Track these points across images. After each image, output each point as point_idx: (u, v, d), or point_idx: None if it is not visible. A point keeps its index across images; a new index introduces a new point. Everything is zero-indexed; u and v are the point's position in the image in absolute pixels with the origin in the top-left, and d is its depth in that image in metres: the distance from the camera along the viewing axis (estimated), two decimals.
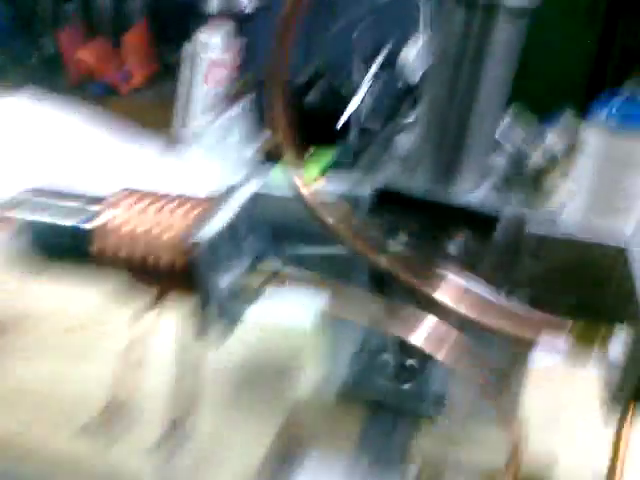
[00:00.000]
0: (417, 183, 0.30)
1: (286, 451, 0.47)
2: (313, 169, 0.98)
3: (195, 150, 0.70)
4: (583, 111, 0.66)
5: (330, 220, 0.32)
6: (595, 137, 0.50)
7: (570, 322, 0.33)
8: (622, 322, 0.31)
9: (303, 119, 0.93)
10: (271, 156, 0.94)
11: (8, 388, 0.52)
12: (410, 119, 0.38)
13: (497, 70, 0.27)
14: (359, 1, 1.03)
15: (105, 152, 0.81)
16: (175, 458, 0.40)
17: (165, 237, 0.35)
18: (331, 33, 1.03)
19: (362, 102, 1.01)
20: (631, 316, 0.29)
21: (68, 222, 0.37)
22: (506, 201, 0.31)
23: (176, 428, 0.40)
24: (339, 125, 1.02)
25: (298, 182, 0.31)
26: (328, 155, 1.01)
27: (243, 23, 1.00)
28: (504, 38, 0.26)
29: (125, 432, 0.44)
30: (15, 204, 0.40)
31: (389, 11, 1.01)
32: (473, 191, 0.30)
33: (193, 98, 0.86)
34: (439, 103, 0.28)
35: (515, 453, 0.34)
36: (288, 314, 0.54)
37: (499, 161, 0.34)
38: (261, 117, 0.79)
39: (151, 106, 1.02)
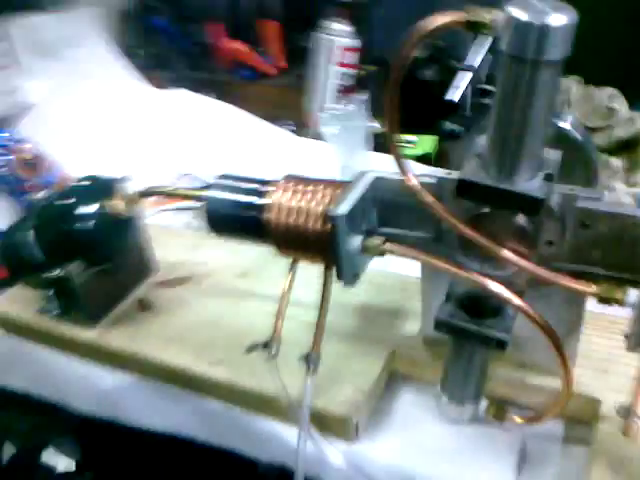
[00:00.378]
0: (487, 176, 0.42)
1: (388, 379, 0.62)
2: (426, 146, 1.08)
3: (326, 130, 0.85)
4: None
5: (429, 199, 0.45)
6: None
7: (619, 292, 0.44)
8: None
9: (421, 92, 1.07)
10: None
11: (190, 322, 0.69)
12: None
13: (543, 101, 0.38)
14: None
15: (252, 136, 0.97)
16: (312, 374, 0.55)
17: (315, 210, 0.50)
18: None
19: (472, 73, 1.10)
20: None
21: (245, 199, 0.53)
22: (553, 188, 0.43)
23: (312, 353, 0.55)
24: (454, 96, 1.11)
25: (408, 168, 0.44)
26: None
27: (368, 9, 1.12)
28: (547, 79, 0.38)
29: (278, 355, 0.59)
30: (207, 186, 0.57)
31: None
32: (530, 181, 0.42)
33: (327, 80, 1.00)
34: (500, 123, 0.40)
35: (565, 381, 0.46)
36: (400, 268, 0.67)
37: (554, 153, 0.45)
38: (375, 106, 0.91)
39: (287, 90, 1.19)
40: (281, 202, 0.52)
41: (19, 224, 0.68)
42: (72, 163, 0.91)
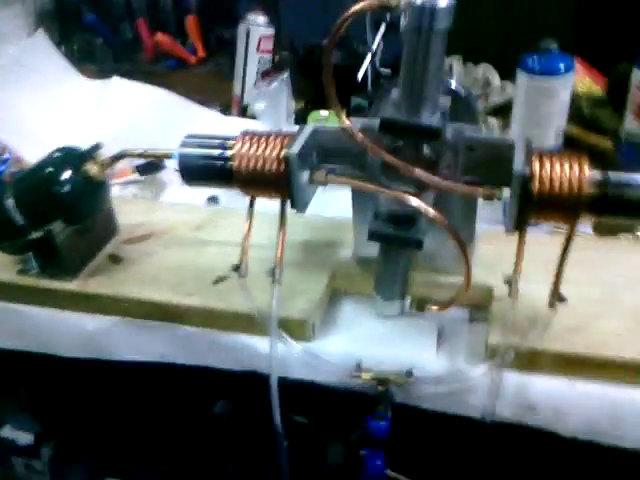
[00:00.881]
0: (400, 115, 0.58)
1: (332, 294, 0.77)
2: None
3: (255, 106, 0.99)
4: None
5: (360, 136, 0.60)
6: (523, 79, 0.78)
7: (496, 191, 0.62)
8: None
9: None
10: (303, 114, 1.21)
11: (159, 268, 0.81)
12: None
13: (435, 59, 0.55)
14: None
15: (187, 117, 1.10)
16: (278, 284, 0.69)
17: (271, 155, 0.64)
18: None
19: (374, 58, 1.28)
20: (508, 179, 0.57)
21: (215, 152, 0.67)
22: (447, 124, 0.60)
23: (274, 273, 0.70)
24: (359, 77, 1.28)
25: (342, 120, 0.60)
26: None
27: (278, 3, 1.27)
28: (437, 43, 0.54)
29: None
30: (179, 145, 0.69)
31: None
32: (431, 117, 0.59)
33: (247, 66, 1.14)
34: (408, 76, 0.57)
35: (466, 274, 0.63)
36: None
37: (446, 100, 0.62)
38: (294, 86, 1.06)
39: (210, 77, 1.32)
40: (242, 151, 0.66)
41: None
42: (23, 146, 1.00)
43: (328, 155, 0.68)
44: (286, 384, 0.69)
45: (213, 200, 1.01)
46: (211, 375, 0.78)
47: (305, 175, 0.65)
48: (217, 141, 0.67)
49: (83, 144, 0.78)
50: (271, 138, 0.66)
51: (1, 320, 0.83)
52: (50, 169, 0.75)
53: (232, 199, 0.92)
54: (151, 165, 1.06)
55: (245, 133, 0.67)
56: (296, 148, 0.63)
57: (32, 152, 0.92)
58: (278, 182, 0.65)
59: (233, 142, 0.67)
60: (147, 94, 1.14)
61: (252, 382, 0.73)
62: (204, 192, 1.00)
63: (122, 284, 0.79)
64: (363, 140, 0.59)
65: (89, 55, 1.35)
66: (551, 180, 0.55)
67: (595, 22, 2.87)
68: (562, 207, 0.56)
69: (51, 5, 1.41)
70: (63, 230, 0.78)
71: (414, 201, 0.60)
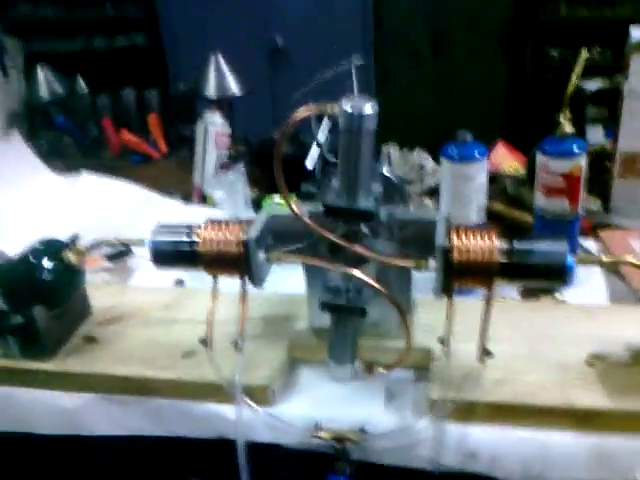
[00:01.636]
0: (340, 201, 0.69)
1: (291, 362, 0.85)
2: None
3: (215, 195, 1.10)
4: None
5: (308, 221, 0.71)
6: (446, 165, 0.91)
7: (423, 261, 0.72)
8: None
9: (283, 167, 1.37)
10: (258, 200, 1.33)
11: (131, 346, 0.88)
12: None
13: (366, 153, 0.67)
14: (310, 75, 1.45)
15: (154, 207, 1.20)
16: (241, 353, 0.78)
17: (232, 239, 0.74)
18: (294, 99, 1.43)
19: (319, 148, 1.41)
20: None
21: (182, 238, 0.76)
22: (380, 207, 0.71)
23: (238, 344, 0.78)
24: (308, 166, 1.41)
25: (293, 207, 0.70)
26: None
27: (232, 103, 1.41)
28: (366, 141, 0.66)
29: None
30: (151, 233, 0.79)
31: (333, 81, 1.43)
32: (366, 202, 0.70)
33: (206, 160, 1.26)
34: (344, 168, 0.68)
35: (407, 338, 0.73)
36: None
37: (378, 186, 0.73)
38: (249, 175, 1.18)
39: (172, 170, 1.43)
40: (206, 237, 0.76)
41: None
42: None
43: (281, 237, 0.78)
44: (252, 448, 0.76)
45: (179, 283, 1.10)
46: (182, 447, 0.84)
47: (262, 255, 0.75)
48: (184, 228, 0.77)
49: (57, 236, 0.86)
50: (231, 224, 0.76)
51: None
52: (33, 258, 0.83)
53: (196, 282, 1.01)
54: (120, 252, 1.14)
55: (209, 220, 0.77)
56: (254, 233, 0.73)
57: (7, 245, 1.00)
58: (239, 262, 0.75)
59: (199, 229, 0.76)
60: (114, 187, 1.24)
61: (221, 453, 0.79)
62: (170, 276, 1.08)
63: (97, 362, 0.85)
64: (311, 224, 0.70)
65: (57, 152, 1.45)
66: (467, 251, 0.67)
67: (521, 109, 3.16)
68: (478, 273, 0.67)
69: (20, 107, 1.52)
70: (43, 314, 0.85)
71: (357, 274, 0.70)
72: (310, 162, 1.36)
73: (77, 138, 1.48)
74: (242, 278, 0.76)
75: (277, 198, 1.35)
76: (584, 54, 0.89)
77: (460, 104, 3.11)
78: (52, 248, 0.85)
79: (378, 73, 2.88)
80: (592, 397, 0.72)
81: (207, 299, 0.86)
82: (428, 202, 1.21)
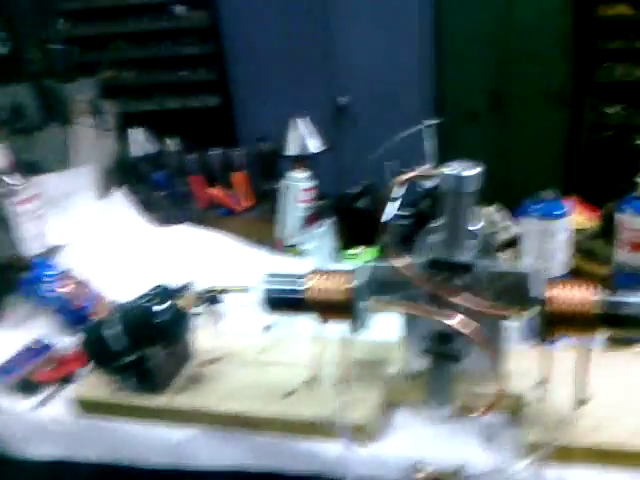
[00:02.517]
0: (443, 255, 0.76)
1: (388, 403, 0.90)
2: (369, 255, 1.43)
3: (306, 247, 1.18)
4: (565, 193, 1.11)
5: (410, 274, 0.77)
6: (526, 221, 0.97)
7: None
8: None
9: (360, 220, 1.52)
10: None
11: (234, 385, 0.95)
12: (435, 224, 0.85)
13: (467, 213, 0.73)
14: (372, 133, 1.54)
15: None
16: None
17: (338, 287, 0.81)
18: (372, 159, 1.52)
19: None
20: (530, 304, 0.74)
21: (292, 286, 0.84)
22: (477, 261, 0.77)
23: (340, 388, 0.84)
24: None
25: (393, 260, 0.77)
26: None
27: (312, 160, 1.51)
28: (468, 202, 0.73)
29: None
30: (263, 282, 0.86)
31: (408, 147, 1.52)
32: (466, 256, 0.76)
33: (290, 214, 1.35)
34: (449, 226, 0.75)
35: (500, 387, 0.77)
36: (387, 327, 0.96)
37: (475, 242, 0.80)
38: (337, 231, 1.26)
39: (255, 222, 1.53)
40: (315, 285, 0.83)
41: (103, 323, 0.93)
42: (105, 287, 1.17)
43: (382, 286, 0.84)
44: None
45: (267, 329, 1.17)
46: None
47: (365, 304, 0.81)
48: (293, 277, 0.84)
49: (157, 282, 0.95)
50: (337, 274, 0.83)
51: (95, 435, 0.96)
52: (149, 304, 0.92)
53: (283, 327, 1.08)
54: (211, 299, 1.22)
55: (316, 270, 0.84)
56: (358, 281, 0.80)
57: (117, 293, 1.09)
58: (344, 309, 0.81)
59: (306, 278, 0.84)
60: (208, 237, 1.34)
61: None
62: (258, 322, 1.15)
63: (205, 398, 0.92)
64: (411, 274, 0.76)
65: (149, 206, 1.57)
66: (563, 302, 0.72)
67: (586, 166, 3.18)
68: (575, 323, 0.72)
69: (114, 165, 1.65)
70: (156, 353, 0.92)
71: (452, 321, 0.76)
72: (385, 216, 1.43)
73: (169, 192, 1.60)
74: (347, 324, 0.82)
75: (354, 250, 1.42)
76: None
77: (520, 162, 3.18)
78: (165, 294, 0.93)
79: (440, 134, 2.96)
80: None
81: (297, 344, 0.96)
82: (502, 256, 1.26)
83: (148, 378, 0.93)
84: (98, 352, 0.94)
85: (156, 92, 3.34)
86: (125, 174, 1.63)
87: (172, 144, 1.71)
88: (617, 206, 1.02)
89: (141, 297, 0.94)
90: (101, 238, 1.29)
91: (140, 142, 1.68)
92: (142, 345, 0.91)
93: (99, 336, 0.92)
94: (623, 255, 1.01)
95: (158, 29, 3.28)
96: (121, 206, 1.42)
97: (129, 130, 1.71)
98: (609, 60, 3.13)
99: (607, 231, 1.24)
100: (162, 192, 1.59)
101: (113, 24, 3.33)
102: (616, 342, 0.96)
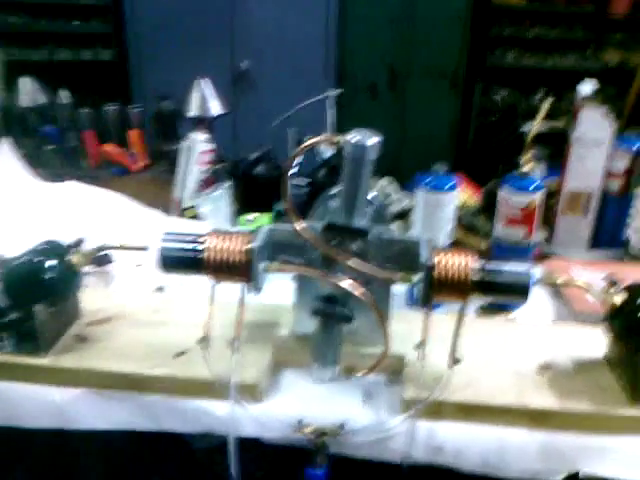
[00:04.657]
0: (339, 220, 0.79)
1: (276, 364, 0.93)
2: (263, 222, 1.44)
3: (202, 209, 1.17)
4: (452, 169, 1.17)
5: (308, 234, 0.80)
6: (420, 193, 1.02)
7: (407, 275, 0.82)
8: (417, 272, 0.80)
9: (257, 186, 1.54)
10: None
11: (123, 345, 0.94)
12: (334, 190, 0.87)
13: (365, 179, 0.77)
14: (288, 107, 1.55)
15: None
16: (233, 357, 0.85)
17: (235, 249, 0.82)
18: (274, 126, 1.53)
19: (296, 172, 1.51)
20: (416, 268, 0.79)
21: (189, 246, 0.84)
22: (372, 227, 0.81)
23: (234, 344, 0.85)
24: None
25: (294, 221, 0.79)
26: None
27: (212, 123, 1.49)
28: (367, 169, 0.76)
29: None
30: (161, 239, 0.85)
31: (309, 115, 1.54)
32: (361, 222, 0.79)
33: (189, 176, 1.33)
34: (346, 191, 0.78)
35: (385, 345, 0.82)
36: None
37: (370, 209, 0.83)
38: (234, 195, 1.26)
39: (151, 182, 1.49)
40: (212, 245, 0.83)
41: None
42: None
43: (279, 249, 0.86)
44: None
45: (160, 290, 1.16)
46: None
47: (262, 265, 0.83)
48: (192, 237, 0.84)
49: (45, 238, 0.92)
50: (235, 235, 0.84)
51: None
52: (37, 258, 0.88)
53: (176, 289, 1.08)
54: (103, 258, 1.19)
55: (214, 230, 0.85)
56: (257, 243, 0.81)
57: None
58: (242, 270, 0.82)
59: (204, 238, 0.84)
60: (98, 195, 1.29)
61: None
62: (150, 283, 1.14)
63: (89, 359, 0.91)
64: (312, 237, 0.79)
65: (37, 160, 1.49)
66: (447, 268, 0.77)
67: (473, 147, 3.35)
68: (456, 289, 0.78)
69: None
70: (42, 311, 0.90)
71: (347, 283, 0.80)
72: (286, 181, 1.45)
73: (59, 147, 1.52)
74: (243, 285, 0.84)
75: (250, 216, 1.43)
76: (547, 104, 1.02)
77: (413, 138, 3.29)
78: (55, 250, 0.90)
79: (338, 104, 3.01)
80: (543, 399, 0.83)
81: (191, 305, 0.97)
82: (393, 225, 1.32)
83: (31, 337, 0.90)
84: None
85: (47, 41, 3.14)
86: (12, 125, 1.53)
87: (64, 96, 1.62)
88: (499, 184, 1.09)
89: (28, 253, 0.90)
90: None
91: (29, 92, 1.58)
92: (27, 302, 0.88)
93: None
94: (501, 230, 1.09)
95: None
96: (7, 159, 1.34)
97: (18, 80, 1.60)
98: (501, 46, 3.30)
99: (488, 208, 1.33)
100: (52, 146, 1.51)
101: None
102: (485, 312, 1.04)
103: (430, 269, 0.77)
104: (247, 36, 3.10)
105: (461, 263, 0.78)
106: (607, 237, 1.32)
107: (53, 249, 0.90)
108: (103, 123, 1.61)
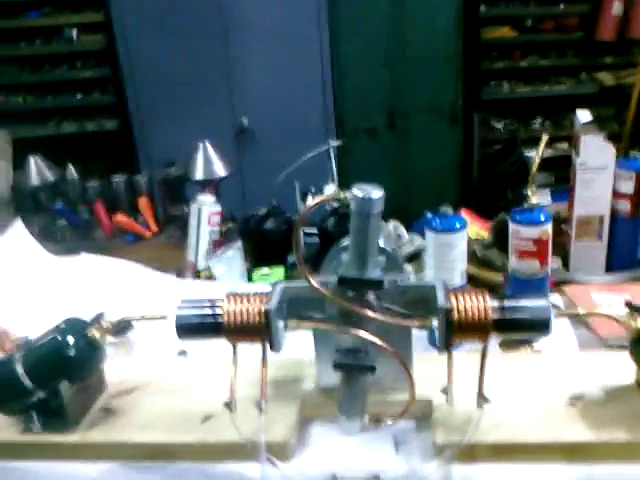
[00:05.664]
0: (352, 273, 0.79)
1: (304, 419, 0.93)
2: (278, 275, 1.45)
3: (216, 270, 1.18)
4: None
5: (324, 290, 0.80)
6: (429, 235, 1.03)
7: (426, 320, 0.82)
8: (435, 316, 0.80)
9: (269, 241, 1.56)
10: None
11: (150, 414, 0.94)
12: (344, 242, 0.88)
13: (374, 232, 0.77)
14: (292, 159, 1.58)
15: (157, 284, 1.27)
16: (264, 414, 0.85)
17: (253, 310, 0.83)
18: (279, 181, 1.55)
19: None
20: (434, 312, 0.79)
21: (206, 311, 0.84)
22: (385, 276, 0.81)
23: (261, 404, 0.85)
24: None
25: (308, 278, 0.79)
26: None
27: (218, 184, 1.52)
28: (374, 222, 0.77)
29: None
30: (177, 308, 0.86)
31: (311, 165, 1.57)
32: (374, 272, 0.80)
33: (200, 239, 1.35)
34: (355, 245, 0.78)
35: (411, 390, 0.82)
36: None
37: (382, 257, 0.84)
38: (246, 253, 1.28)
39: (165, 247, 1.51)
40: (230, 309, 0.84)
41: (9, 360, 0.90)
42: (10, 323, 1.13)
43: (295, 306, 0.87)
44: None
45: (183, 354, 1.16)
46: None
47: (280, 323, 0.84)
48: (207, 302, 0.85)
49: (66, 315, 0.93)
50: (251, 296, 0.85)
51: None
52: (59, 337, 0.89)
53: (199, 351, 1.09)
54: (122, 328, 1.20)
55: (230, 294, 0.86)
56: (273, 303, 0.82)
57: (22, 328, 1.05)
58: (260, 331, 0.83)
59: (221, 302, 0.85)
60: (112, 265, 1.31)
61: None
62: (172, 347, 1.14)
63: (120, 431, 0.91)
64: (327, 293, 0.79)
65: (50, 236, 1.52)
66: (465, 310, 0.77)
67: (479, 179, 3.38)
68: (476, 330, 0.78)
69: (7, 192, 1.59)
70: (67, 388, 0.90)
71: (365, 335, 0.80)
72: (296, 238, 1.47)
73: (71, 221, 1.56)
74: (263, 345, 0.84)
75: (265, 270, 1.44)
76: (545, 137, 1.04)
77: (417, 177, 3.33)
78: (76, 326, 0.91)
79: (341, 151, 3.06)
80: (576, 432, 0.82)
81: (213, 368, 0.97)
82: (408, 267, 1.32)
83: (59, 415, 0.90)
84: (4, 391, 0.90)
85: (52, 117, 3.24)
86: (23, 204, 1.57)
87: (72, 171, 1.67)
88: (508, 216, 1.10)
89: (50, 331, 0.91)
90: (2, 273, 1.24)
91: (38, 170, 1.63)
92: (52, 381, 0.89)
93: (6, 374, 0.89)
94: (515, 263, 1.09)
95: (52, 53, 3.20)
96: (21, 237, 1.36)
97: (27, 158, 1.65)
98: (495, 79, 3.35)
99: (499, 240, 1.33)
100: (64, 221, 1.54)
101: (4, 47, 3.23)
102: (508, 346, 1.03)
103: (448, 313, 0.77)
104: (245, 93, 3.17)
105: (479, 303, 0.78)
106: (622, 259, 1.32)
107: (74, 326, 0.92)
108: (112, 193, 1.65)
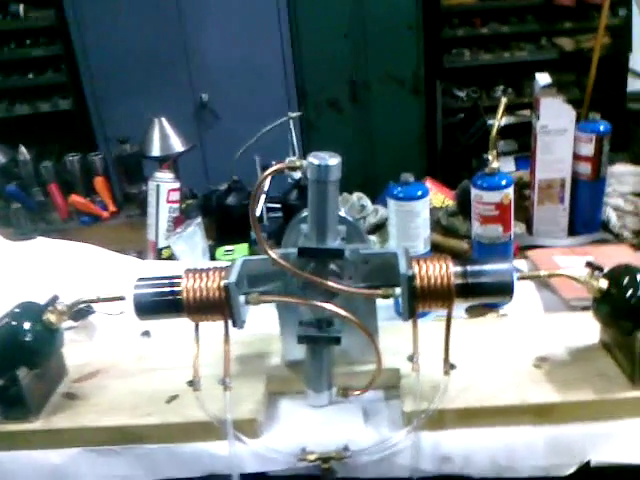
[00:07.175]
0: (312, 244, 0.78)
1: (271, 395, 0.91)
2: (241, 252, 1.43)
3: (176, 248, 1.15)
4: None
5: (284, 264, 0.78)
6: (391, 204, 1.02)
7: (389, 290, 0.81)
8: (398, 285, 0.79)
9: (231, 217, 1.52)
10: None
11: (113, 398, 0.91)
12: (304, 213, 0.86)
13: (332, 200, 0.75)
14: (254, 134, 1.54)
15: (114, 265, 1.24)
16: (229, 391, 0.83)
17: (212, 285, 0.80)
18: (239, 155, 1.52)
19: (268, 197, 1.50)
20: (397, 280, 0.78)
21: (164, 289, 0.82)
22: (346, 246, 0.80)
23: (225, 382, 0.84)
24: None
25: (267, 250, 0.78)
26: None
27: (177, 160, 1.48)
28: (332, 190, 0.75)
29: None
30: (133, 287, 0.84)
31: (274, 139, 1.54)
32: (334, 242, 0.78)
33: (160, 217, 1.31)
34: (313, 214, 0.76)
35: (378, 361, 0.81)
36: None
37: (342, 227, 0.82)
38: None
39: (123, 227, 1.47)
40: (188, 285, 0.82)
41: None
42: None
43: (255, 280, 0.85)
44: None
45: (146, 334, 1.14)
46: None
47: (241, 298, 0.82)
48: (166, 280, 0.83)
49: (21, 300, 0.89)
50: (210, 272, 0.82)
51: None
52: (14, 322, 0.86)
53: (162, 332, 1.06)
54: (82, 311, 1.17)
55: (188, 270, 0.83)
56: (233, 277, 0.80)
57: None
58: (221, 307, 0.81)
59: (180, 279, 0.82)
60: (70, 248, 1.27)
61: None
62: (135, 329, 1.12)
63: (82, 416, 0.88)
64: (287, 265, 0.77)
65: (5, 220, 1.47)
66: (428, 277, 0.76)
67: (443, 147, 3.39)
68: (439, 296, 0.77)
69: None
70: (25, 375, 0.87)
71: (329, 307, 0.78)
72: (258, 210, 1.44)
73: (25, 204, 1.50)
74: (225, 321, 0.82)
75: (228, 247, 1.41)
76: (504, 101, 1.02)
77: (381, 148, 3.31)
78: (30, 311, 0.88)
79: (304, 123, 3.03)
80: (544, 394, 0.82)
81: (176, 348, 0.96)
82: (372, 238, 1.31)
83: (19, 402, 0.87)
84: None
85: (3, 98, 3.12)
86: None
87: (24, 152, 1.60)
88: (470, 182, 1.09)
89: (4, 317, 0.88)
90: None
91: None
92: (9, 368, 0.86)
93: None
94: (478, 228, 1.08)
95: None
96: None
97: None
98: (456, 46, 3.33)
99: (463, 207, 1.33)
100: (18, 204, 1.48)
101: None
102: (475, 312, 1.03)
103: (410, 280, 0.76)
104: (204, 69, 3.10)
105: (442, 269, 0.77)
106: (584, 222, 1.33)
107: (29, 311, 0.88)
108: (67, 174, 1.59)
